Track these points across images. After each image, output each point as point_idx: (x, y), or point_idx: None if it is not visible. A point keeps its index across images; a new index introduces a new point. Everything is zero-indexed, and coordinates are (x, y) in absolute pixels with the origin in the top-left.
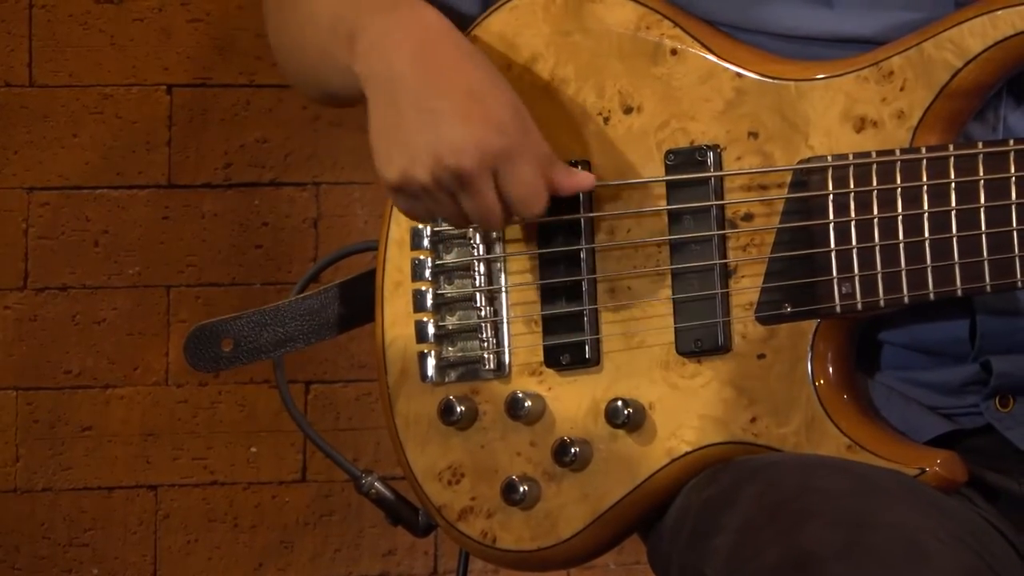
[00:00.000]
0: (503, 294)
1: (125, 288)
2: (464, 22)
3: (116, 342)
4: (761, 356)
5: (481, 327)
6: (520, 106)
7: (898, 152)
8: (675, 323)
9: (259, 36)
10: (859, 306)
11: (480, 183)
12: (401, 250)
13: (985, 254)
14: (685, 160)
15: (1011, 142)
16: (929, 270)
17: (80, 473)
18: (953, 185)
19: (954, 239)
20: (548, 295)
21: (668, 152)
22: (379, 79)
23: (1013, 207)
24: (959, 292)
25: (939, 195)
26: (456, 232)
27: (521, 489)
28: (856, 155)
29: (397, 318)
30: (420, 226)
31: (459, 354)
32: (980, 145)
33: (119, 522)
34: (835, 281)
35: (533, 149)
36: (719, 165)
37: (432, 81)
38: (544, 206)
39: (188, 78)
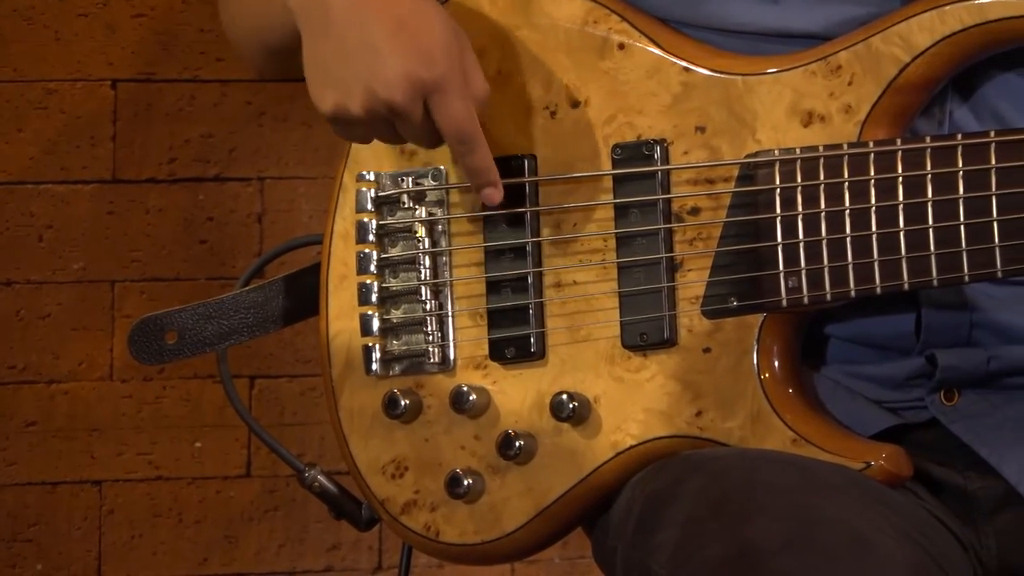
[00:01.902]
0: (448, 287)
1: (69, 283)
2: None
3: (60, 337)
4: (707, 350)
5: (426, 320)
6: (451, 32)
7: (846, 146)
8: (621, 317)
9: (203, 31)
10: (805, 300)
11: (412, 114)
12: (346, 243)
13: (932, 248)
14: (632, 154)
15: (959, 136)
16: (876, 264)
17: (24, 468)
18: (900, 179)
19: (901, 233)
20: (493, 289)
21: (615, 146)
22: (311, 10)
23: (960, 201)
24: (906, 286)
25: (886, 189)
26: (402, 225)
27: (465, 482)
28: (803, 149)
29: (342, 311)
30: (365, 219)
31: (404, 347)
32: (928, 139)
33: (63, 517)
34: (781, 275)
35: (461, 80)
36: (666, 159)
37: (361, 11)
38: (474, 137)
39: (132, 73)
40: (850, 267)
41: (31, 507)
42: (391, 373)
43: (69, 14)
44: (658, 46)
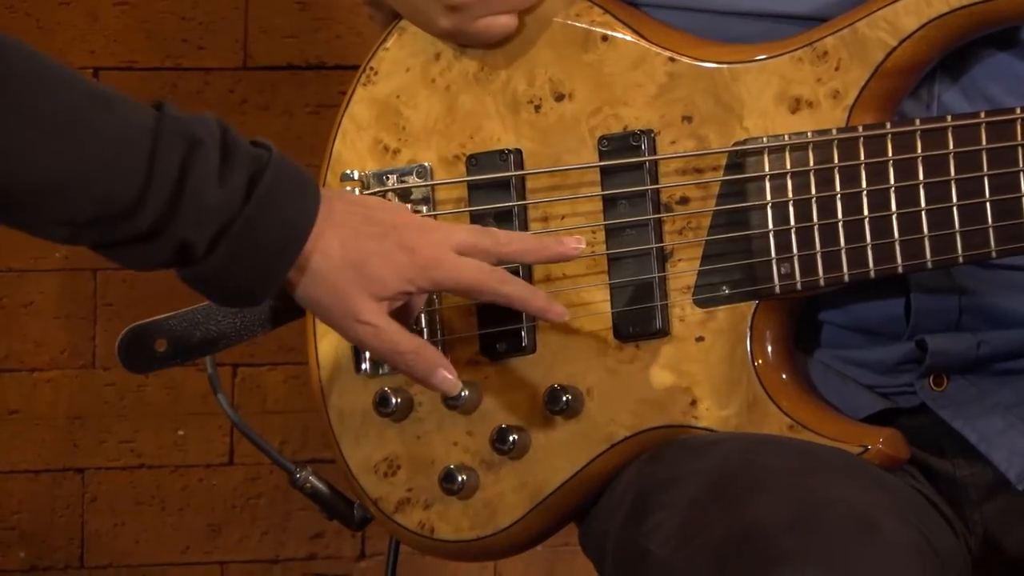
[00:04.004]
0: None
1: (52, 271)
2: None
3: (43, 325)
4: (700, 339)
5: (416, 317)
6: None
7: (834, 132)
8: (612, 308)
9: (184, 19)
10: (799, 286)
11: None
12: None
13: (925, 231)
14: (619, 146)
15: (949, 118)
16: (869, 248)
17: (7, 456)
18: (891, 163)
19: (894, 216)
20: None
21: (601, 138)
22: None
23: (952, 183)
24: (900, 269)
25: (877, 173)
26: None
27: (459, 479)
28: (792, 136)
29: None
30: None
31: None
32: (918, 122)
33: (46, 505)
34: (774, 262)
35: None
36: (653, 150)
37: None
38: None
39: (115, 61)
40: (843, 252)
41: (14, 495)
42: (381, 372)
43: (51, 2)
44: (642, 37)
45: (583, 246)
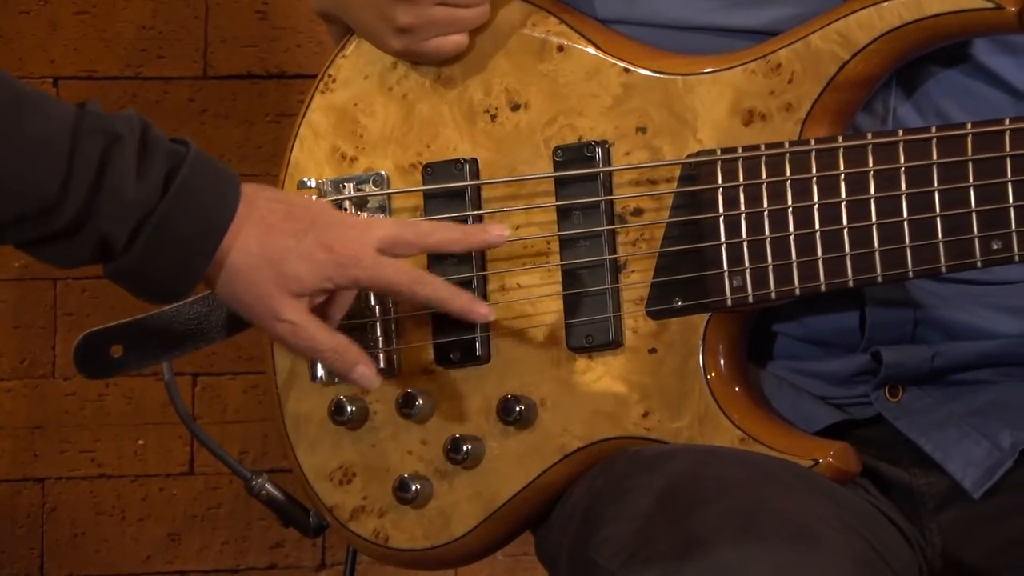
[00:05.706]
0: None
1: (11, 281)
2: None
3: (2, 335)
4: (652, 351)
5: (370, 326)
6: None
7: (787, 144)
8: (566, 319)
9: (144, 28)
10: (750, 299)
11: None
12: None
13: (876, 245)
14: (573, 156)
15: (900, 132)
16: (820, 262)
17: None
18: (843, 176)
19: (844, 231)
20: None
21: (556, 148)
22: None
23: (903, 197)
24: (851, 283)
25: (829, 187)
26: None
27: (413, 488)
28: (745, 148)
29: None
30: None
31: None
32: (869, 136)
33: (6, 516)
34: (726, 274)
35: None
36: (607, 160)
37: None
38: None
39: (74, 71)
40: (794, 265)
41: None
42: (336, 380)
43: (11, 11)
44: (597, 47)
45: (508, 233)
